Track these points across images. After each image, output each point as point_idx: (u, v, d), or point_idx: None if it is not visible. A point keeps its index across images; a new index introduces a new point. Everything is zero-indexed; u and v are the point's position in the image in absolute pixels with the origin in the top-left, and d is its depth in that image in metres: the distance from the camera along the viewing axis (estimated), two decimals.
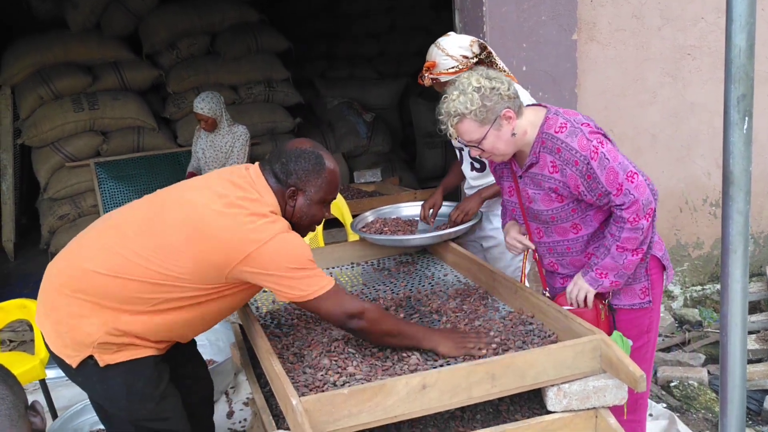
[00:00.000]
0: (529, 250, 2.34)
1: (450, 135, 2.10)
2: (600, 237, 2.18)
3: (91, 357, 1.98)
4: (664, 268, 2.26)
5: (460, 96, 2.02)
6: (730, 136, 2.44)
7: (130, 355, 2.00)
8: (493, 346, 1.98)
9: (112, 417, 2.16)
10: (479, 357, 1.94)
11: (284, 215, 2.07)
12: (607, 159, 2.01)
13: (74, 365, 1.99)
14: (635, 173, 2.01)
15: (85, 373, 2.01)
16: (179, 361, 2.27)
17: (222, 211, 1.95)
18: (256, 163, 2.14)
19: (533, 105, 2.19)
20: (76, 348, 1.98)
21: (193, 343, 2.44)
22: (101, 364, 1.97)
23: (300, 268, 1.94)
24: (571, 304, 2.18)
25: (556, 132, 2.06)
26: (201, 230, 1.94)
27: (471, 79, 2.04)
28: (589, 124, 2.07)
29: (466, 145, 2.12)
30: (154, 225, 2.01)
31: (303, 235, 2.17)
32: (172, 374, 2.17)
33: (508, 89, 2.04)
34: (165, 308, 1.99)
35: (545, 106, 2.17)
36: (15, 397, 1.16)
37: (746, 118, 2.42)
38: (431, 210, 2.92)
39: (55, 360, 2.06)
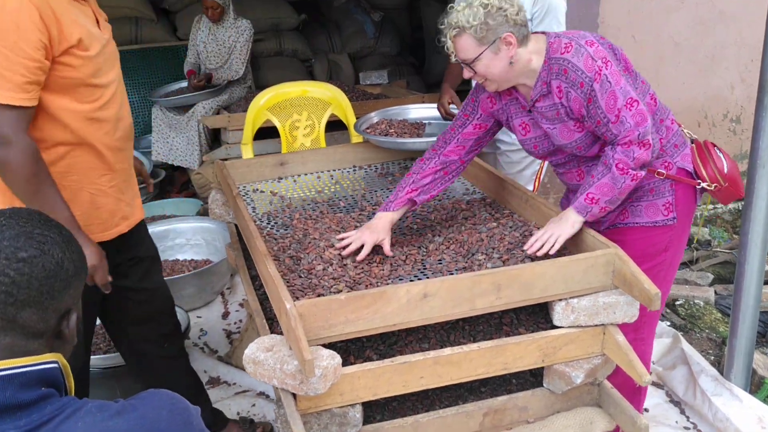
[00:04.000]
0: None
1: (448, 48, 1.96)
2: None
3: None
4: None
5: (466, 8, 1.90)
6: None
7: None
8: None
9: None
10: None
11: None
12: (609, 82, 1.86)
13: None
14: (636, 100, 1.87)
15: None
16: (122, 270, 2.10)
17: None
18: None
19: (533, 33, 2.01)
20: None
21: (149, 248, 2.26)
22: None
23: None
24: (533, 249, 1.91)
25: (562, 53, 1.91)
26: None
27: None
28: (593, 42, 1.91)
29: (460, 61, 1.98)
30: None
31: None
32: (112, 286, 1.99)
33: (517, 14, 1.90)
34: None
35: (544, 33, 2.00)
36: None
37: None
38: (450, 104, 2.79)
39: None
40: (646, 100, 2.00)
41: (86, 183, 1.90)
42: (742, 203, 2.53)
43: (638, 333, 2.13)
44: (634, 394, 2.16)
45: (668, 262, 2.11)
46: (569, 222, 1.93)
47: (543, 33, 2.00)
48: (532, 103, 2.01)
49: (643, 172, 1.92)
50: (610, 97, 1.86)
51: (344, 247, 2.03)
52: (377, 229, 2.04)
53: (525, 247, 1.92)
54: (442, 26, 1.95)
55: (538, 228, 2.10)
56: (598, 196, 1.91)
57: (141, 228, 2.20)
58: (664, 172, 2.03)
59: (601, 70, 1.86)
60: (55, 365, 1.05)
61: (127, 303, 2.18)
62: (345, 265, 1.97)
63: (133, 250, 2.16)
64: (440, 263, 1.98)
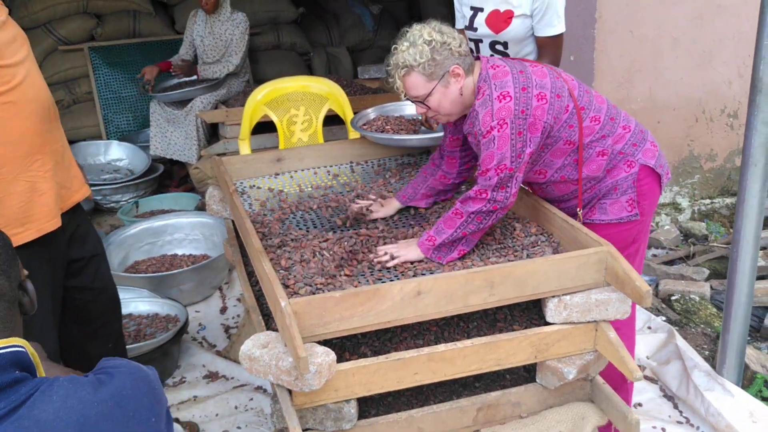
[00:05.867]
0: None
1: (397, 88, 2.03)
2: (567, 168, 2.10)
3: None
4: (659, 176, 2.13)
5: (410, 48, 1.96)
6: (763, 39, 2.27)
7: None
8: None
9: None
10: None
11: None
12: (493, 143, 1.93)
13: None
14: (508, 168, 1.93)
15: None
16: (70, 270, 2.11)
17: None
18: None
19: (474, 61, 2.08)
20: None
21: (96, 246, 2.24)
22: None
23: None
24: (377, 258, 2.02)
25: (477, 98, 2.00)
26: None
27: (423, 32, 1.97)
28: (504, 96, 1.94)
29: (411, 100, 2.04)
30: None
31: None
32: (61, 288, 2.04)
33: (460, 46, 1.98)
34: None
35: (480, 60, 2.06)
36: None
37: None
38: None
39: None
40: (586, 123, 2.05)
41: (20, 172, 1.87)
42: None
43: (617, 322, 2.15)
44: (621, 384, 2.20)
45: (635, 253, 2.18)
46: (414, 253, 1.98)
47: (478, 59, 2.06)
48: (466, 133, 2.11)
49: (482, 222, 1.96)
50: (488, 155, 1.94)
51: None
52: (387, 208, 2.31)
53: (373, 256, 2.01)
54: (389, 67, 2.02)
55: (535, 224, 2.13)
56: (435, 236, 1.96)
57: (86, 223, 2.20)
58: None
59: (492, 130, 1.93)
60: (22, 349, 1.08)
61: (73, 302, 2.16)
62: (341, 263, 1.99)
63: (80, 247, 2.13)
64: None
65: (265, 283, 1.82)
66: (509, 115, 1.93)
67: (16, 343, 1.07)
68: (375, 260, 1.99)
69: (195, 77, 4.92)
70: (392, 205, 2.32)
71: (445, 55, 1.95)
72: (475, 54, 2.83)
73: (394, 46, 2.02)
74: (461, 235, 1.96)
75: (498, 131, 1.93)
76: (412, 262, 1.98)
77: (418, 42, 1.95)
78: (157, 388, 1.13)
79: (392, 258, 1.98)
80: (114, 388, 1.06)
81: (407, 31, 2.01)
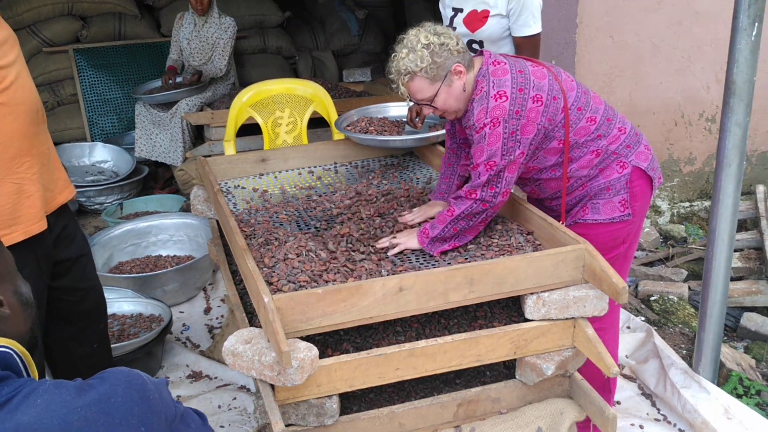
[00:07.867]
0: None
1: (402, 94, 2.06)
2: (560, 166, 2.14)
3: None
4: (650, 179, 2.18)
5: (410, 54, 1.99)
6: (736, 42, 2.33)
7: None
8: None
9: None
10: None
11: None
12: (484, 138, 1.99)
13: None
14: (495, 164, 1.98)
15: None
16: (57, 271, 2.13)
17: None
18: None
19: (476, 56, 2.11)
20: None
21: (83, 247, 2.25)
22: None
23: None
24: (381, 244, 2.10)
25: (475, 95, 2.04)
26: None
27: (419, 36, 2.00)
28: (500, 95, 1.98)
29: (417, 103, 2.08)
30: None
31: None
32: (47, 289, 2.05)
33: (457, 44, 2.01)
34: None
35: (482, 55, 2.09)
36: None
37: (756, 24, 2.30)
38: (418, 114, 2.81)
39: None
40: (582, 124, 2.09)
41: (7, 174, 1.88)
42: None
43: (601, 322, 2.20)
44: (604, 385, 2.24)
45: (625, 253, 2.22)
46: (413, 241, 2.07)
47: (480, 55, 2.09)
48: (465, 127, 2.14)
49: (477, 221, 2.03)
50: (479, 149, 2.00)
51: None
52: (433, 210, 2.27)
53: (378, 243, 2.10)
54: (391, 75, 2.06)
55: (514, 223, 2.17)
56: (429, 230, 2.04)
57: (73, 224, 2.21)
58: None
59: (484, 127, 1.98)
60: (7, 350, 1.06)
61: (59, 303, 2.18)
62: (324, 260, 2.01)
63: (66, 248, 2.14)
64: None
65: (249, 280, 1.84)
66: (503, 115, 1.96)
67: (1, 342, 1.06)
68: (378, 246, 2.07)
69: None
70: (436, 207, 2.29)
71: (445, 56, 1.98)
72: None
73: (393, 53, 2.04)
74: (453, 231, 2.02)
75: (490, 128, 1.97)
76: (412, 251, 2.06)
77: (416, 47, 1.98)
78: (152, 398, 1.08)
79: (393, 246, 2.06)
80: (101, 393, 1.03)
81: (404, 37, 2.04)
